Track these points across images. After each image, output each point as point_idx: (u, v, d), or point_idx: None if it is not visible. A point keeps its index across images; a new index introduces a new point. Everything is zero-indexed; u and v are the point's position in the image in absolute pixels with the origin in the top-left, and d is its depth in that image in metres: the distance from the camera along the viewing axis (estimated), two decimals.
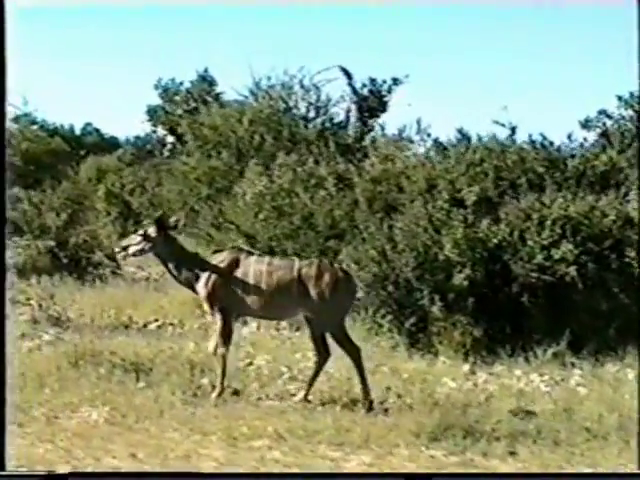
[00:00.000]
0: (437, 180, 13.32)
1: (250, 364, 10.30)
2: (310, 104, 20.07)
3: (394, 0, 19.65)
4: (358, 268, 11.64)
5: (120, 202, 23.14)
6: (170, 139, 36.22)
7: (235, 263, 8.84)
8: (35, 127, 31.90)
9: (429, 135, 16.87)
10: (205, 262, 8.97)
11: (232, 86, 21.36)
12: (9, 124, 28.98)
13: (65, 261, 16.91)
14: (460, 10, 21.96)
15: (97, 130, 40.45)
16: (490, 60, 30.62)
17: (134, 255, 9.32)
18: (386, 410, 8.61)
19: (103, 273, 16.21)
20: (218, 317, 8.86)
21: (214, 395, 8.66)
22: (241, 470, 6.69)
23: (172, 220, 9.37)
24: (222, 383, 8.67)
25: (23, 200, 20.20)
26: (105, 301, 14.21)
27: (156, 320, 13.25)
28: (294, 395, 8.98)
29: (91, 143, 36.61)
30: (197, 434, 8.03)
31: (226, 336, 8.84)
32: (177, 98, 32.53)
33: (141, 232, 9.22)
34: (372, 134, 18.87)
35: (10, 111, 30.57)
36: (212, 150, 19.42)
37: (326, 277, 8.63)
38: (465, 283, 11.42)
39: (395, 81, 19.85)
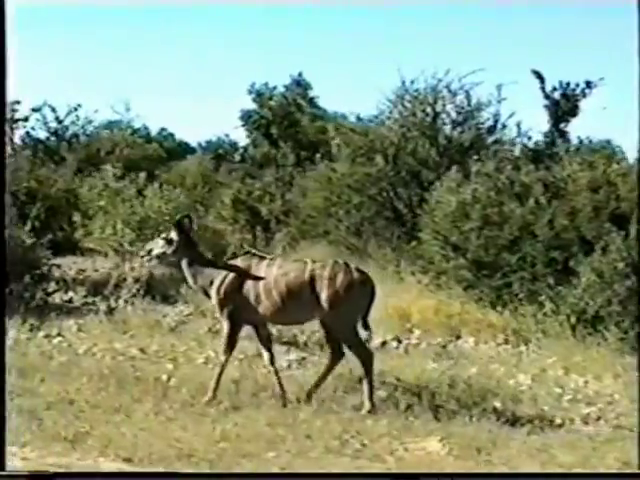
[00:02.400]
0: None
1: None
2: (462, 108, 19.25)
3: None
4: (601, 281, 10.91)
5: (246, 209, 22.47)
6: (242, 143, 35.94)
7: (247, 269, 8.59)
8: (127, 131, 31.32)
9: None
10: (219, 268, 8.72)
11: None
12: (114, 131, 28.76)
13: None
14: None
15: (172, 135, 40.15)
16: None
17: (158, 258, 9.12)
18: None
19: None
20: (225, 323, 8.63)
21: (204, 400, 8.50)
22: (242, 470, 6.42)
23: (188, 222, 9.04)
24: (215, 390, 8.49)
25: None
26: None
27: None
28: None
29: (168, 148, 36.10)
30: None
31: (230, 343, 8.66)
32: (271, 103, 31.88)
33: (164, 236, 9.00)
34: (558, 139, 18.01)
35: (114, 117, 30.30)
36: (364, 156, 18.56)
37: (339, 278, 8.34)
38: None
39: (588, 84, 19.19)
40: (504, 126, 19.77)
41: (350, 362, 10.24)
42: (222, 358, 8.68)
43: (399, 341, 12.48)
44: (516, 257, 12.78)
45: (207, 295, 8.96)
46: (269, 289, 8.51)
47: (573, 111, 19.01)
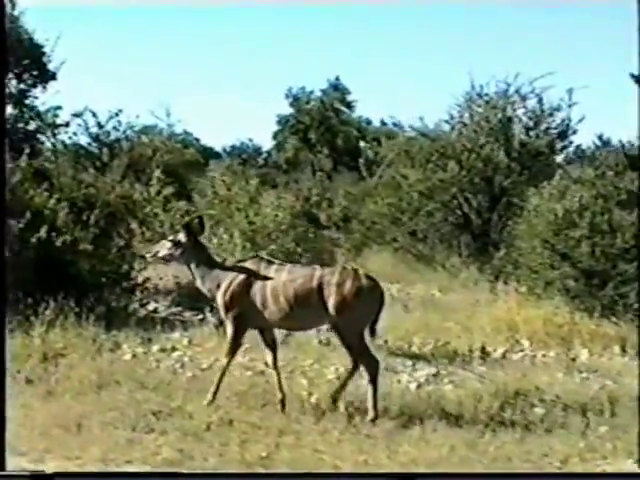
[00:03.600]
0: None
1: None
2: (533, 113, 18.85)
3: None
4: None
5: (303, 215, 22.00)
6: (266, 147, 35.60)
7: (255, 273, 8.41)
8: (160, 136, 30.87)
9: None
10: (226, 272, 8.60)
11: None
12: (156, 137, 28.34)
13: None
14: None
15: (197, 140, 39.82)
16: None
17: (164, 259, 9.05)
18: None
19: None
20: (230, 326, 8.48)
21: (204, 402, 8.42)
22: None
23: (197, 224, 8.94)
24: (215, 393, 8.38)
25: None
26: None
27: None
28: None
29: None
30: None
31: (234, 347, 8.51)
32: (306, 108, 31.51)
33: (171, 238, 8.92)
34: None
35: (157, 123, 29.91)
36: (437, 162, 18.13)
37: (348, 284, 8.16)
38: None
39: None
40: (574, 131, 19.29)
41: (498, 375, 9.91)
42: (224, 361, 8.50)
43: (519, 352, 11.93)
44: (633, 266, 12.21)
45: (214, 299, 8.90)
46: (277, 294, 8.32)
47: None
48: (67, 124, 25.03)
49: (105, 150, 27.26)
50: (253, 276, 8.65)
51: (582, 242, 13.11)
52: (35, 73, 17.82)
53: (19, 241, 12.17)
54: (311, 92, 32.71)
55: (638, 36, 8.33)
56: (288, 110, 32.89)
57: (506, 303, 13.98)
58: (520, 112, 19.21)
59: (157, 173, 19.46)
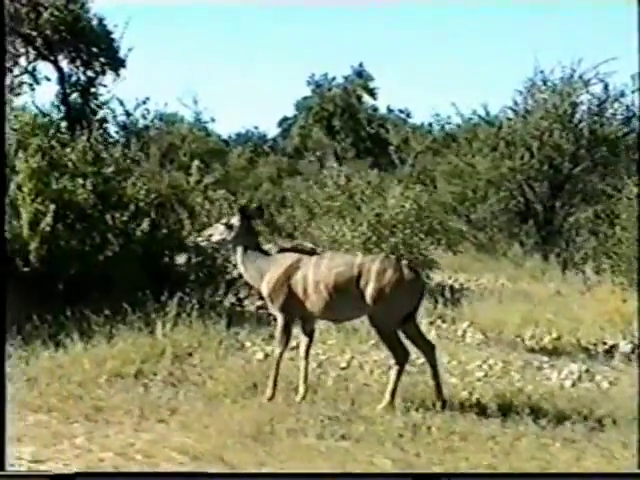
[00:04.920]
0: None
1: None
2: (598, 99, 18.46)
3: None
4: None
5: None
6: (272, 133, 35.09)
7: (297, 263, 8.25)
8: (183, 124, 30.25)
9: None
10: (269, 261, 8.42)
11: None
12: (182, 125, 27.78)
13: None
14: None
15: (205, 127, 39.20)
16: None
17: (217, 244, 9.00)
18: None
19: None
20: (278, 317, 8.31)
21: (263, 399, 8.21)
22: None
23: (253, 209, 8.83)
24: (274, 387, 8.20)
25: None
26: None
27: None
28: None
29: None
30: None
31: (284, 337, 8.32)
32: (329, 94, 30.96)
33: (224, 221, 8.75)
34: None
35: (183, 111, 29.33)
36: (506, 149, 17.69)
37: (389, 274, 7.96)
38: None
39: None
40: (634, 115, 18.93)
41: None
42: (276, 352, 8.34)
43: None
44: None
45: (256, 288, 8.78)
46: (317, 283, 8.12)
47: None
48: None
49: (133, 139, 26.59)
50: (296, 265, 8.42)
51: None
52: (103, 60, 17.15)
53: (122, 235, 11.56)
54: (333, 78, 32.12)
55: (638, 36, 8.20)
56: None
57: (612, 294, 13.56)
58: (584, 98, 18.69)
59: (196, 162, 18.96)
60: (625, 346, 11.65)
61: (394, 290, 8.17)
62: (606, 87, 18.69)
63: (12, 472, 6.30)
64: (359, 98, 31.71)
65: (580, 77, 18.78)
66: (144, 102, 26.75)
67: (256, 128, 42.75)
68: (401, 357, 8.33)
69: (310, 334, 8.72)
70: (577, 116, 18.20)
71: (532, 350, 11.13)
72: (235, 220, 8.85)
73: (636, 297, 13.55)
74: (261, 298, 12.97)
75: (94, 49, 17.31)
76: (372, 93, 32.08)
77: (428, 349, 8.46)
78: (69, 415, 7.87)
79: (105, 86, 18.43)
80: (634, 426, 7.98)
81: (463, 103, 26.52)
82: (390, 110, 38.08)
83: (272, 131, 42.02)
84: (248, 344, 10.60)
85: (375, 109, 35.90)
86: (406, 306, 8.35)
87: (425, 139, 27.65)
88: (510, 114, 18.98)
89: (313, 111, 31.76)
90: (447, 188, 18.87)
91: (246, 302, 13.72)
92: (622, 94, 18.84)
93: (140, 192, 12.45)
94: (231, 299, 12.84)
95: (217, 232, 8.95)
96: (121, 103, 26.22)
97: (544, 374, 10.20)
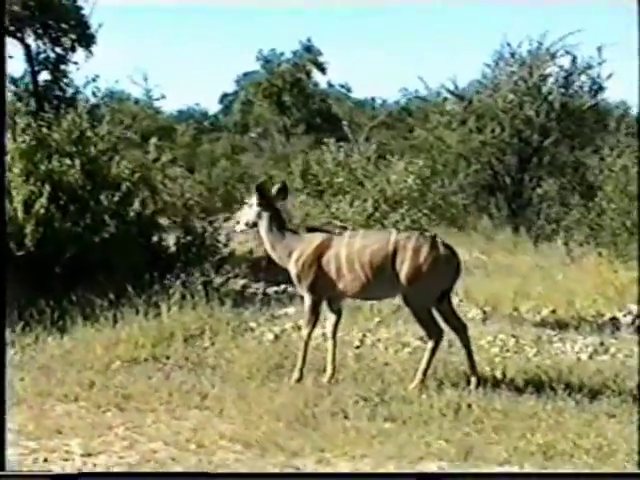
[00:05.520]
0: None
1: None
2: (566, 71, 18.51)
3: None
4: None
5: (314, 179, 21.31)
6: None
7: (328, 242, 8.06)
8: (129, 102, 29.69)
9: None
10: (298, 240, 8.21)
11: None
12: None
13: None
14: None
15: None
16: None
17: (247, 226, 8.62)
18: None
19: None
20: (307, 296, 8.12)
21: (291, 381, 7.99)
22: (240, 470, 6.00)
23: (275, 190, 8.49)
24: (302, 368, 8.05)
25: None
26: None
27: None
28: None
29: None
30: None
31: (313, 317, 8.13)
32: (279, 69, 30.57)
33: (246, 201, 8.63)
34: None
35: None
36: (477, 123, 17.61)
37: (424, 251, 7.80)
38: None
39: None
40: (601, 87, 19.00)
41: None
42: (305, 332, 8.17)
43: None
44: None
45: (285, 267, 8.48)
46: (352, 261, 7.93)
47: None
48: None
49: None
50: (327, 244, 8.22)
51: None
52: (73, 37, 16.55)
53: (116, 216, 11.21)
54: (282, 54, 31.76)
55: (638, 35, 8.12)
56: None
57: (599, 266, 13.56)
58: (552, 71, 18.71)
59: (154, 140, 18.68)
60: (623, 318, 11.62)
61: (430, 268, 7.99)
62: (574, 60, 18.60)
63: (12, 472, 6.01)
64: (308, 73, 31.42)
65: (547, 50, 18.67)
66: (94, 80, 26.30)
67: (197, 105, 42.33)
68: (436, 335, 8.16)
69: (338, 312, 8.52)
70: (546, 89, 18.09)
71: (539, 324, 11.01)
72: (254, 200, 8.61)
73: (624, 268, 13.58)
74: (251, 277, 12.81)
75: (63, 25, 16.71)
76: (322, 68, 31.82)
77: (461, 328, 8.31)
78: (98, 404, 7.55)
79: (76, 63, 17.84)
80: None
81: (431, 78, 26.20)
82: (330, 85, 37.91)
83: (213, 108, 41.54)
84: (254, 325, 10.32)
85: (315, 84, 35.67)
86: (442, 284, 8.19)
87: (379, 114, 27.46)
88: (479, 88, 18.80)
89: (262, 87, 31.35)
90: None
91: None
92: (589, 66, 18.80)
93: (125, 171, 12.05)
94: (235, 282, 12.51)
95: (244, 215, 8.73)
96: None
97: (557, 348, 10.08)
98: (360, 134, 27.46)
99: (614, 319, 11.53)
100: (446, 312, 8.27)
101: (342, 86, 38.78)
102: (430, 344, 8.19)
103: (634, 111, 19.66)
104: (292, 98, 30.54)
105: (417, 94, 18.94)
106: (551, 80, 18.43)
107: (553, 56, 18.60)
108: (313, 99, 30.87)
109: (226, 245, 12.69)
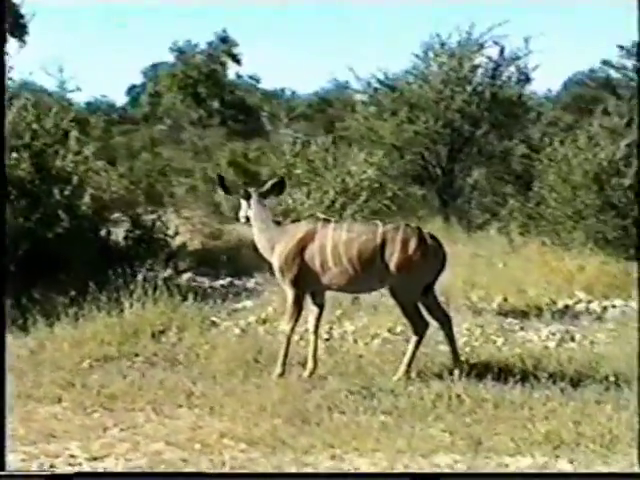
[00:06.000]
0: None
1: None
2: (495, 63, 18.73)
3: None
4: None
5: (242, 171, 21.24)
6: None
7: (311, 234, 7.94)
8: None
9: None
10: (281, 232, 8.13)
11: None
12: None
13: None
14: None
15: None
16: None
17: (245, 220, 8.50)
18: None
19: None
20: (290, 290, 7.99)
21: (273, 376, 7.88)
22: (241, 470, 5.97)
23: (270, 184, 8.49)
24: (284, 363, 7.92)
25: None
26: None
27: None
28: None
29: None
30: None
31: (296, 312, 8.01)
32: (194, 61, 30.16)
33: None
34: None
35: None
36: (410, 114, 17.67)
37: (413, 243, 7.78)
38: None
39: None
40: (528, 78, 19.28)
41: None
42: (287, 328, 8.03)
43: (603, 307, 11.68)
44: None
45: (269, 260, 8.41)
46: (338, 254, 7.84)
47: None
48: None
49: None
50: (310, 237, 8.10)
51: (630, 190, 12.89)
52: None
53: (68, 210, 10.87)
54: (196, 45, 31.33)
55: (638, 35, 8.23)
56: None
57: (543, 255, 13.70)
58: (481, 61, 18.90)
59: (75, 133, 18.23)
60: (577, 305, 11.75)
61: (419, 259, 7.94)
62: (502, 51, 18.80)
63: (11, 472, 5.82)
64: (223, 65, 31.08)
65: (476, 40, 18.83)
66: (8, 71, 25.58)
67: (104, 97, 41.64)
68: (420, 328, 8.11)
69: (321, 306, 8.39)
70: (476, 79, 18.23)
71: (499, 314, 11.04)
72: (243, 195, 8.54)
73: (569, 256, 13.74)
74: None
75: None
76: (237, 59, 31.51)
77: (445, 320, 8.25)
78: (83, 405, 7.31)
79: (7, 54, 17.26)
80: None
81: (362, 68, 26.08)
82: (239, 76, 37.65)
83: (120, 99, 40.89)
84: (216, 319, 10.14)
85: (224, 75, 35.38)
86: (429, 275, 8.14)
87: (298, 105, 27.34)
88: (410, 79, 18.84)
89: (177, 78, 30.90)
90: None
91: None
92: (517, 57, 19.02)
93: (70, 165, 11.71)
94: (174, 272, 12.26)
95: (242, 209, 8.62)
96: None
97: (523, 336, 10.13)
98: (279, 126, 27.40)
99: (567, 307, 11.61)
100: (431, 305, 8.22)
101: (251, 77, 38.58)
102: (414, 337, 8.13)
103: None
104: (207, 89, 30.17)
105: (347, 85, 18.73)
106: (481, 71, 18.40)
107: (481, 47, 18.71)
108: (227, 90, 30.54)
109: (172, 237, 12.42)
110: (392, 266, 7.89)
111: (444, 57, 18.65)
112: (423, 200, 19.31)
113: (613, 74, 31.70)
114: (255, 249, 8.60)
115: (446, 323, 8.25)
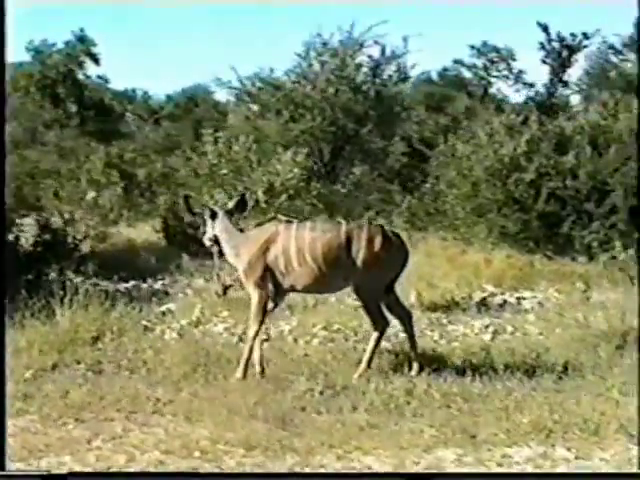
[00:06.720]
0: None
1: None
2: (375, 61, 19.01)
3: None
4: None
5: (118, 173, 20.79)
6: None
7: (274, 236, 7.99)
8: None
9: None
10: (244, 238, 8.18)
11: None
12: None
13: None
14: None
15: None
16: None
17: (212, 241, 8.54)
18: None
19: None
20: (254, 293, 8.00)
21: (234, 379, 7.90)
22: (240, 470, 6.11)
23: (233, 203, 8.64)
24: (246, 367, 7.88)
25: None
26: None
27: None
28: None
29: None
30: None
31: (260, 315, 8.00)
32: (51, 61, 29.28)
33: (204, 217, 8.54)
34: None
35: None
36: (294, 112, 17.71)
37: (378, 241, 7.87)
38: None
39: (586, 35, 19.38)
40: (406, 77, 19.60)
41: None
42: (251, 332, 7.95)
43: (518, 299, 11.95)
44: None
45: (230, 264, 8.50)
46: (302, 254, 7.84)
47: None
48: None
49: None
50: (273, 238, 8.06)
51: (531, 185, 13.25)
52: None
53: None
54: (53, 44, 30.41)
55: (638, 34, 8.55)
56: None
57: (445, 250, 13.92)
58: (363, 60, 19.09)
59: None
60: (493, 298, 11.96)
61: (385, 256, 7.96)
62: (383, 50, 19.03)
63: (7, 472, 5.70)
64: (81, 64, 30.30)
65: (356, 40, 18.99)
66: None
67: None
68: (381, 326, 8.13)
69: (274, 307, 8.31)
70: (360, 78, 18.39)
71: (428, 309, 11.14)
72: (206, 213, 8.50)
73: (472, 250, 14.01)
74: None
75: None
76: (95, 59, 30.78)
77: (406, 317, 8.28)
78: (51, 416, 6.99)
79: None
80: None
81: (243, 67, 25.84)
82: (87, 76, 36.76)
83: None
84: (147, 324, 9.88)
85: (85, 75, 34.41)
86: (393, 272, 8.17)
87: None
88: (294, 77, 18.82)
89: (35, 79, 29.93)
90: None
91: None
92: (396, 56, 19.28)
93: None
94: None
95: (207, 232, 8.58)
96: None
97: (454, 330, 10.24)
98: (144, 126, 26.91)
99: (484, 299, 11.79)
100: (391, 302, 8.23)
101: (100, 77, 37.73)
102: (375, 334, 8.13)
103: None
104: (66, 90, 29.37)
105: (230, 84, 18.57)
106: (364, 70, 18.57)
107: (362, 46, 18.81)
108: (86, 91, 29.82)
109: (81, 241, 12.07)
110: (359, 263, 7.86)
111: (326, 56, 18.66)
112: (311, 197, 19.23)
113: (465, 72, 32.52)
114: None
115: (406, 319, 8.26)
